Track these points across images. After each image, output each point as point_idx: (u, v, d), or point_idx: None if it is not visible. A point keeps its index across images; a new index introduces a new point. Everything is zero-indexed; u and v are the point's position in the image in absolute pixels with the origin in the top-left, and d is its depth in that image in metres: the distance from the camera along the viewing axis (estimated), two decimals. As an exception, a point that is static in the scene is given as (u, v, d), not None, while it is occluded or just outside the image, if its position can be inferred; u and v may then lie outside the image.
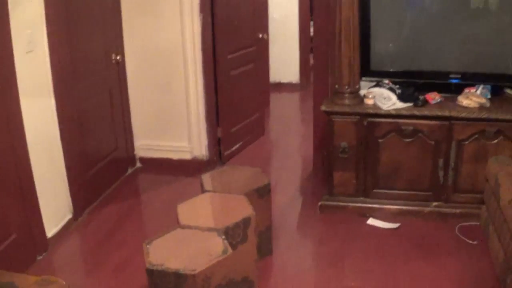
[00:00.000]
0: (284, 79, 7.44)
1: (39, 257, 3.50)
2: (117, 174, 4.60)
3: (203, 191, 3.33)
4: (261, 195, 3.31)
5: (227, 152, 4.95)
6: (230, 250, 2.63)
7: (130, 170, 4.80)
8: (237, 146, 5.11)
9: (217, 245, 2.67)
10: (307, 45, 7.58)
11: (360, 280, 3.18)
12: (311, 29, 6.84)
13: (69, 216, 3.89)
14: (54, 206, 3.70)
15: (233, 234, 2.84)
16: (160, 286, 2.53)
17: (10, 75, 3.17)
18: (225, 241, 2.71)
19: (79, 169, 3.98)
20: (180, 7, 4.36)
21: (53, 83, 3.62)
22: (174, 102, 4.65)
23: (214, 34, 4.54)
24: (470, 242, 3.54)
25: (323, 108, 3.73)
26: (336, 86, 3.73)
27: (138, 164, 4.91)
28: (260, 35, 5.27)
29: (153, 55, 4.55)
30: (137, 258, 3.47)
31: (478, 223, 3.69)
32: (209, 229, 2.83)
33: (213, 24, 4.51)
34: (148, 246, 2.70)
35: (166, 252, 2.64)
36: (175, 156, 4.80)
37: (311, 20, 7.34)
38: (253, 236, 3.00)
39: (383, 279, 3.17)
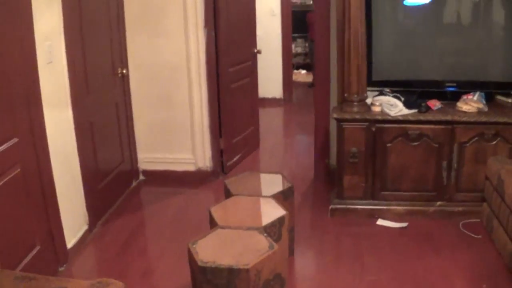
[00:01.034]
0: (268, 94, 7.64)
1: (61, 268, 3.51)
2: (123, 187, 4.66)
3: (229, 195, 3.45)
4: (286, 198, 3.45)
5: (229, 163, 5.08)
6: (276, 246, 2.75)
7: (134, 183, 4.86)
8: (237, 157, 5.25)
9: (261, 242, 2.79)
10: (289, 61, 7.86)
11: (379, 274, 3.36)
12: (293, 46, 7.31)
13: (85, 227, 3.92)
14: (72, 217, 3.73)
15: (270, 233, 2.97)
16: (213, 282, 2.62)
17: (35, 85, 3.21)
18: (268, 238, 2.84)
19: (92, 181, 4.03)
20: (185, 22, 4.50)
21: (71, 94, 3.68)
22: (178, 115, 4.75)
23: (217, 47, 4.69)
24: (475, 236, 3.78)
25: (334, 116, 3.93)
26: (345, 95, 3.93)
27: (142, 177, 4.97)
28: (255, 50, 5.45)
29: (156, 69, 4.66)
30: (161, 264, 3.58)
31: (479, 220, 3.94)
32: (249, 228, 2.95)
33: (216, 38, 4.65)
34: (194, 246, 2.79)
35: (213, 251, 2.74)
36: (179, 168, 4.89)
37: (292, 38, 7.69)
38: (286, 235, 3.15)
39: (400, 273, 3.36)
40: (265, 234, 2.88)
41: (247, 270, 2.56)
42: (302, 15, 8.84)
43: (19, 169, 3.05)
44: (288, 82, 7.99)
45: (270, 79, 7.43)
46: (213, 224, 3.11)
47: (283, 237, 3.11)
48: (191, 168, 4.89)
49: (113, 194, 4.45)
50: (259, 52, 5.49)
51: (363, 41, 3.83)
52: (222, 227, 2.98)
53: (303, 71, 10.20)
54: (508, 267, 3.32)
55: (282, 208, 3.18)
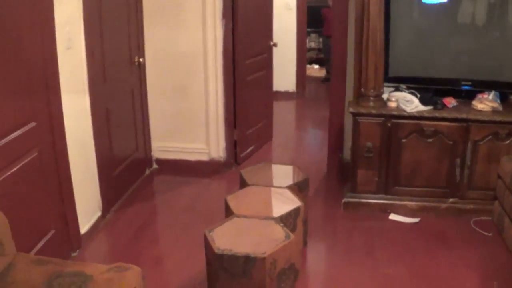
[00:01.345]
0: (281, 88, 7.65)
1: (74, 254, 3.54)
2: (137, 175, 4.69)
3: (245, 185, 3.47)
4: (301, 189, 3.48)
5: (242, 154, 5.10)
6: (292, 236, 2.78)
7: (147, 171, 4.88)
8: (250, 149, 5.27)
9: (277, 232, 2.82)
10: (303, 56, 7.90)
11: (393, 267, 3.39)
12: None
13: (98, 213, 3.95)
14: (86, 203, 3.75)
15: (286, 223, 3.00)
16: (229, 270, 2.65)
17: (54, 70, 3.23)
18: (285, 228, 2.86)
19: (107, 168, 4.06)
20: (203, 13, 4.52)
21: (88, 80, 3.70)
22: (193, 105, 4.78)
23: (234, 39, 4.70)
24: (486, 234, 3.80)
25: (350, 110, 3.94)
26: (362, 89, 3.95)
27: (155, 166, 5.00)
28: (271, 43, 5.47)
29: (173, 58, 4.68)
30: (174, 252, 3.60)
31: (490, 218, 3.96)
32: (266, 218, 2.97)
33: (233, 29, 4.67)
34: (210, 234, 2.82)
35: (230, 239, 2.77)
36: (192, 157, 4.92)
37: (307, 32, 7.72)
38: (301, 225, 3.17)
39: (413, 266, 3.40)
40: (281, 224, 2.90)
41: (264, 259, 2.58)
42: (316, 11, 8.82)
43: (36, 153, 3.08)
44: (301, 76, 8.01)
45: (283, 72, 7.44)
46: (228, 213, 3.14)
47: (298, 228, 3.13)
48: (205, 158, 4.92)
49: (127, 181, 4.48)
50: (275, 45, 5.50)
51: (381, 37, 3.85)
52: (238, 216, 3.00)
53: (316, 66, 10.20)
54: (519, 264, 3.35)
55: (298, 199, 3.20)
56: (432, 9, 4.14)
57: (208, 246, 2.76)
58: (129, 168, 4.49)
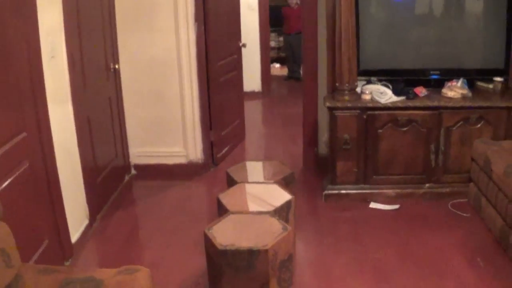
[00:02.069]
0: (248, 88, 7.76)
1: (67, 263, 3.54)
2: (117, 182, 4.69)
3: (233, 183, 3.56)
4: (288, 183, 3.59)
5: (219, 155, 5.18)
6: (289, 228, 2.89)
7: (127, 177, 4.90)
8: (226, 149, 5.36)
9: (274, 225, 2.93)
10: (267, 55, 8.03)
11: (381, 252, 3.54)
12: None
13: (86, 221, 3.95)
14: (74, 212, 3.75)
15: (280, 216, 3.10)
16: (233, 265, 2.74)
17: (40, 79, 3.24)
18: (281, 221, 2.97)
19: (91, 176, 4.06)
20: (175, 17, 4.58)
21: (71, 88, 3.71)
22: (169, 109, 4.83)
23: (206, 41, 4.78)
24: (464, 215, 4.00)
25: (327, 104, 4.08)
26: (337, 84, 4.09)
27: (133, 171, 5.02)
28: (240, 44, 5.56)
29: (147, 64, 4.72)
30: (167, 255, 3.65)
31: (466, 200, 4.17)
32: (260, 213, 3.08)
33: (205, 32, 4.75)
34: (210, 231, 2.90)
35: (230, 235, 2.86)
36: (170, 161, 4.97)
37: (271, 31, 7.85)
38: (293, 218, 3.29)
39: (400, 250, 3.56)
40: (277, 217, 3.01)
41: (266, 251, 2.69)
42: (276, 10, 9.00)
43: (27, 164, 3.08)
44: (266, 75, 8.16)
45: (249, 72, 7.54)
46: (222, 210, 3.22)
47: (290, 220, 3.25)
48: (183, 161, 4.97)
49: (109, 189, 4.49)
50: (244, 45, 5.60)
51: (353, 32, 3.99)
52: (234, 213, 3.09)
53: (277, 65, 10.36)
54: (498, 241, 3.54)
55: (288, 193, 3.31)
56: (397, 3, 4.33)
57: (209, 243, 2.84)
58: (110, 175, 4.50)
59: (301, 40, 5.24)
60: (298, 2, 8.75)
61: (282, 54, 10.10)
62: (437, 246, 3.58)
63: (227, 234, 2.87)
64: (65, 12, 3.59)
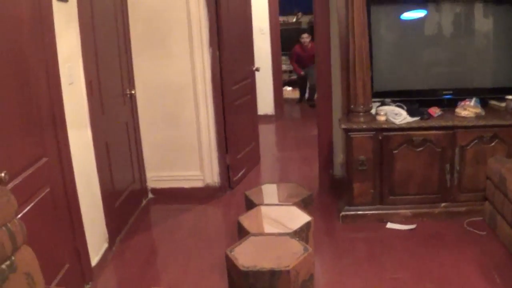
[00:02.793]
0: (261, 111, 7.81)
1: (87, 286, 3.58)
2: (135, 206, 4.75)
3: (252, 205, 3.60)
4: (306, 205, 3.63)
5: (235, 178, 5.22)
6: (310, 248, 2.92)
7: (144, 202, 4.95)
8: (242, 172, 5.40)
9: (295, 246, 2.96)
10: (279, 78, 8.13)
11: (399, 272, 3.54)
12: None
13: (105, 245, 3.99)
14: (94, 235, 3.80)
15: (299, 237, 3.13)
16: (255, 286, 2.77)
17: (59, 105, 3.30)
18: (301, 242, 3.00)
19: (110, 200, 4.12)
20: (190, 42, 4.67)
21: (89, 114, 3.79)
22: (185, 133, 4.89)
23: (221, 66, 4.86)
24: (480, 233, 4.01)
25: (342, 126, 4.12)
26: (352, 106, 4.13)
27: (150, 195, 5.07)
28: (254, 67, 5.65)
29: (163, 89, 4.81)
30: (187, 277, 3.68)
31: (482, 218, 4.18)
32: (281, 234, 3.11)
33: (219, 57, 4.83)
34: (232, 253, 2.93)
35: (252, 256, 2.90)
36: (187, 185, 5.02)
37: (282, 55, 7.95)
38: (312, 239, 3.31)
39: (417, 270, 3.56)
40: (297, 238, 3.04)
41: (288, 272, 2.72)
42: (286, 34, 9.13)
43: (48, 189, 3.13)
44: (279, 98, 8.24)
45: (261, 96, 7.62)
46: (242, 232, 3.25)
47: (310, 240, 3.27)
48: (199, 184, 5.02)
49: (127, 213, 4.55)
50: (257, 69, 5.68)
51: (367, 55, 4.05)
52: (255, 235, 3.13)
53: (289, 88, 10.44)
54: (515, 258, 3.56)
55: (307, 214, 3.35)
56: (408, 25, 4.40)
57: (231, 264, 2.87)
58: (128, 199, 4.55)
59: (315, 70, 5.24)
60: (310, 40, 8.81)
61: (294, 77, 10.18)
62: (454, 264, 3.59)
63: (248, 255, 2.90)
64: (82, 39, 3.67)
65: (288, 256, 2.84)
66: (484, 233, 4.00)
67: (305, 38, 8.89)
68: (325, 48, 4.63)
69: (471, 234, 4.01)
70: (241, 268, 2.76)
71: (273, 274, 2.73)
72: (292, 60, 9.34)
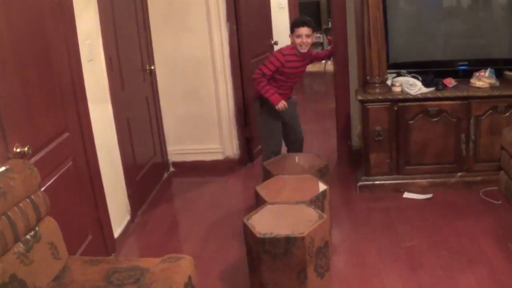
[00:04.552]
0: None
1: (110, 257, 3.66)
2: (156, 179, 4.88)
3: (269, 176, 3.68)
4: (323, 175, 3.69)
5: (255, 151, 5.31)
6: (325, 216, 2.99)
7: (165, 175, 5.08)
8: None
9: (310, 214, 3.03)
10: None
11: (415, 240, 3.62)
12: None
13: (127, 217, 4.12)
14: (116, 208, 3.92)
15: (315, 205, 3.21)
16: (271, 252, 2.85)
17: (80, 81, 3.40)
18: (317, 210, 3.08)
19: (131, 173, 4.24)
20: (208, 17, 4.74)
21: (110, 90, 3.89)
22: (204, 107, 4.99)
23: (239, 40, 4.92)
24: (495, 202, 4.06)
25: (358, 98, 4.18)
26: (368, 77, 4.17)
27: (172, 169, 5.19)
28: (272, 41, 5.69)
29: (182, 64, 4.90)
30: (208, 246, 3.80)
31: (497, 187, 4.22)
32: (297, 202, 3.18)
33: (237, 31, 4.89)
34: (249, 221, 3.02)
35: (268, 224, 2.97)
36: (207, 158, 5.14)
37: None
38: (328, 207, 3.39)
39: (433, 237, 3.64)
40: (313, 207, 3.12)
41: (303, 238, 2.79)
42: (304, 7, 9.09)
43: (71, 162, 3.24)
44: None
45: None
46: (260, 201, 3.33)
47: (326, 209, 3.35)
48: (220, 157, 5.13)
49: (149, 185, 4.67)
50: (276, 43, 5.72)
51: (382, 26, 4.07)
52: (271, 203, 3.21)
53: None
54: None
55: (323, 183, 3.42)
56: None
57: (248, 232, 2.95)
58: (149, 173, 4.67)
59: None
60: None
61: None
62: (469, 233, 3.64)
63: (265, 223, 2.97)
64: (101, 16, 3.76)
65: (303, 223, 2.91)
66: (500, 202, 4.05)
67: (304, 34, 4.09)
68: (341, 21, 4.66)
69: (486, 204, 4.05)
70: (258, 235, 2.84)
71: (289, 241, 2.80)
72: (262, 79, 4.15)
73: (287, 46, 4.22)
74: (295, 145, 4.46)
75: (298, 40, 4.09)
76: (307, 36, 4.07)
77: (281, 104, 4.08)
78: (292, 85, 4.34)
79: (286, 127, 4.38)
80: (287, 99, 4.27)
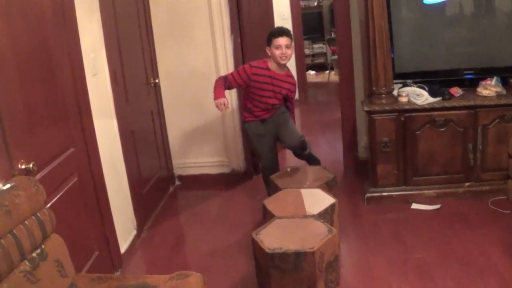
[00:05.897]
0: (285, 96, 7.88)
1: (117, 273, 3.64)
2: (162, 193, 4.84)
3: (277, 189, 3.64)
4: (330, 187, 3.66)
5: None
6: (334, 230, 2.96)
7: (171, 188, 5.05)
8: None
9: (320, 228, 3.00)
10: (303, 63, 8.14)
11: (424, 252, 3.58)
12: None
13: (134, 232, 4.09)
14: (122, 223, 3.89)
15: (324, 219, 3.17)
16: (280, 267, 2.82)
17: (85, 96, 3.38)
18: (326, 223, 3.04)
19: (137, 188, 4.20)
20: (211, 30, 4.72)
21: (114, 104, 3.86)
22: (210, 119, 4.95)
23: (243, 52, 4.90)
24: (504, 212, 4.02)
25: (365, 108, 4.14)
26: (374, 88, 4.15)
27: (177, 182, 5.16)
28: (275, 53, 5.66)
29: (186, 77, 4.87)
30: (216, 260, 3.76)
31: (505, 197, 4.18)
32: (305, 216, 3.15)
33: (241, 42, 4.87)
34: (258, 236, 2.98)
35: (277, 238, 2.94)
36: (213, 171, 5.10)
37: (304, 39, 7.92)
38: (337, 220, 3.35)
39: (442, 249, 3.59)
40: (322, 220, 3.08)
41: (313, 253, 2.76)
42: (307, 18, 9.10)
43: (76, 178, 3.21)
44: (303, 83, 8.26)
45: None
46: (268, 216, 3.30)
47: (335, 222, 3.32)
48: (226, 170, 5.10)
49: (154, 200, 4.64)
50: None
51: (387, 36, 4.05)
52: (280, 217, 3.17)
53: (312, 72, 10.45)
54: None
55: (331, 196, 3.38)
56: (428, 5, 4.37)
57: (257, 247, 2.92)
58: (155, 187, 4.64)
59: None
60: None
61: (317, 61, 10.16)
62: (479, 244, 3.60)
63: (274, 238, 2.94)
64: (105, 30, 3.74)
65: (312, 237, 2.88)
66: (508, 211, 4.01)
67: (283, 44, 3.96)
68: (345, 31, 4.64)
69: (495, 213, 4.01)
70: (267, 250, 2.81)
71: (298, 256, 2.77)
72: (220, 79, 4.12)
73: (260, 60, 4.10)
74: (296, 149, 4.34)
75: (277, 52, 3.93)
76: (287, 46, 3.92)
77: (219, 102, 3.84)
78: (268, 107, 4.12)
79: (279, 136, 4.25)
80: (271, 114, 4.20)
